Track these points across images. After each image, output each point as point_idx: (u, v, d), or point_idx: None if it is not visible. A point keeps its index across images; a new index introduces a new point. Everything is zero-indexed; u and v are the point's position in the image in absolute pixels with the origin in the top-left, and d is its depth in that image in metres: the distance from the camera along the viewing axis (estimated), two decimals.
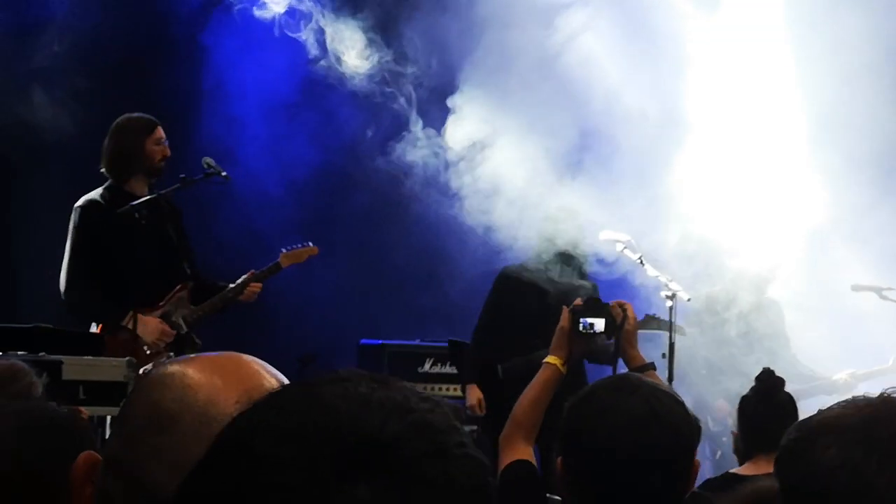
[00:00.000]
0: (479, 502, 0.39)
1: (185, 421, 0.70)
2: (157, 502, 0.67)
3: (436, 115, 3.92)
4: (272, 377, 0.76)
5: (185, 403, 0.71)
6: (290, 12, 4.16)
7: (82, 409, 2.41)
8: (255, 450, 0.36)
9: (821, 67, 4.55)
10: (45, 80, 4.56)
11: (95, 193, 3.69)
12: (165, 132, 3.74)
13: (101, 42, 4.73)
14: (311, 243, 3.91)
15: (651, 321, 4.02)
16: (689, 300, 4.08)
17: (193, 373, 0.75)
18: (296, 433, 0.36)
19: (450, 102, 3.82)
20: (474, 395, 4.09)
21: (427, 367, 4.34)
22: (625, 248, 4.01)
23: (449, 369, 4.36)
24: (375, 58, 3.97)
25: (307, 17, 4.10)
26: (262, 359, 0.75)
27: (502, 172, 3.68)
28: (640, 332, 3.91)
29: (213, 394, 0.72)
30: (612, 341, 2.73)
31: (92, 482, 0.77)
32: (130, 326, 3.49)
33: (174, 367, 0.77)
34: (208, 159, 3.71)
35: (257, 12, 4.23)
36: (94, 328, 3.70)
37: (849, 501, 0.86)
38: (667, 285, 3.95)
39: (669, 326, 3.94)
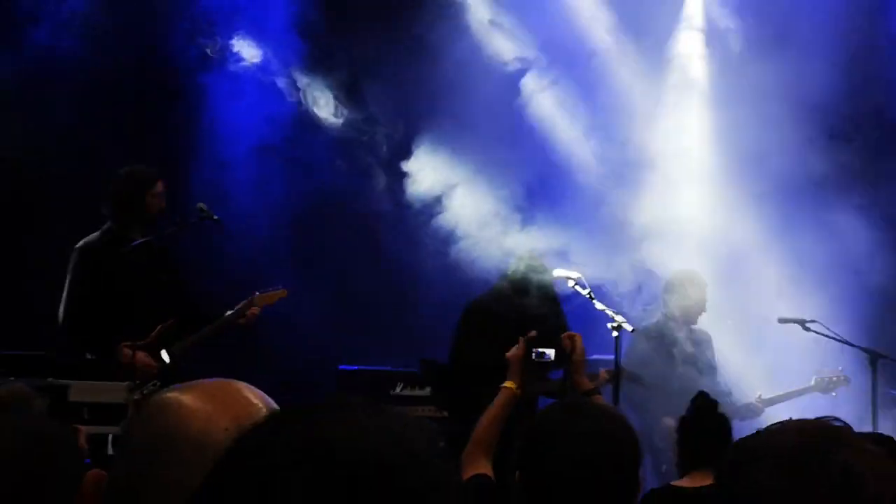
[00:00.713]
0: None
1: (180, 449, 0.72)
2: None
3: (400, 166, 4.39)
4: (262, 403, 0.78)
5: (179, 432, 0.74)
6: (266, 66, 4.66)
7: (80, 427, 2.71)
8: (255, 472, 0.36)
9: (742, 116, 5.22)
10: (49, 120, 4.94)
11: (93, 237, 4.09)
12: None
13: (100, 86, 5.13)
14: (281, 286, 4.31)
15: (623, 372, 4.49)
16: (633, 331, 4.52)
17: (188, 401, 0.77)
18: (295, 458, 0.36)
19: (405, 166, 4.30)
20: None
21: (398, 389, 4.77)
22: (576, 284, 4.43)
23: (418, 391, 4.79)
24: (345, 113, 4.45)
25: (281, 72, 4.60)
26: (249, 383, 0.80)
27: (465, 218, 4.17)
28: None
29: (206, 422, 0.74)
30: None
31: (98, 499, 0.82)
32: (125, 360, 3.85)
33: (170, 396, 0.79)
34: (201, 205, 4.13)
35: (234, 66, 4.74)
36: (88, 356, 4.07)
37: None
38: (613, 318, 4.39)
39: (616, 353, 4.40)
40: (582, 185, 5.12)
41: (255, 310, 4.12)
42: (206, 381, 0.83)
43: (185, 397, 0.77)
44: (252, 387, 0.80)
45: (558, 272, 4.45)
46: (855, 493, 0.84)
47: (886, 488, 0.88)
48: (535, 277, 4.39)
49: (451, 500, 0.40)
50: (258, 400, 0.78)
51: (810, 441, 0.90)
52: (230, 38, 4.59)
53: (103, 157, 4.63)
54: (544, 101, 4.79)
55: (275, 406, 0.77)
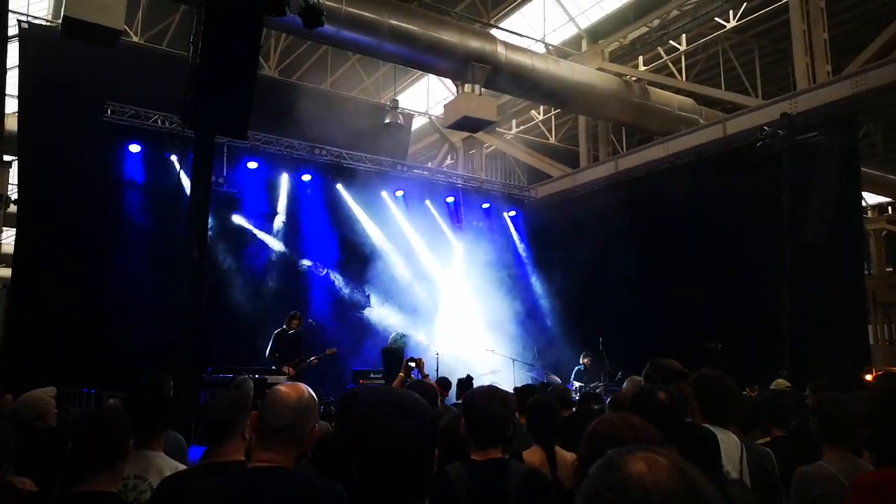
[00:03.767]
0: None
1: (279, 401, 2.04)
2: None
3: None
4: (305, 389, 2.10)
5: (280, 395, 2.05)
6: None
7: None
8: (359, 400, 1.71)
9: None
10: None
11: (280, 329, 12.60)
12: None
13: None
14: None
15: None
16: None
17: (284, 388, 2.09)
18: (379, 400, 1.65)
19: None
20: None
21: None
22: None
23: None
24: None
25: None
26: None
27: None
28: None
29: (286, 394, 2.06)
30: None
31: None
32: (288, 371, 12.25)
33: (279, 386, 2.11)
34: (311, 321, 12.59)
35: None
36: None
37: None
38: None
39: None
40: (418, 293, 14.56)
41: (319, 358, 12.42)
42: (290, 382, 2.19)
43: (280, 387, 2.11)
44: (304, 385, 2.12)
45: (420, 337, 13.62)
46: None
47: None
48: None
49: (428, 412, 1.63)
50: (305, 389, 2.11)
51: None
52: None
53: None
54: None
55: (308, 390, 2.11)
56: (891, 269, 20.66)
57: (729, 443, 3.17)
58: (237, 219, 13.38)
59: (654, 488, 1.05)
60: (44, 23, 13.80)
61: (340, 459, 1.88)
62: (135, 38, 14.85)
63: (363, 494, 1.55)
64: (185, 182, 10.21)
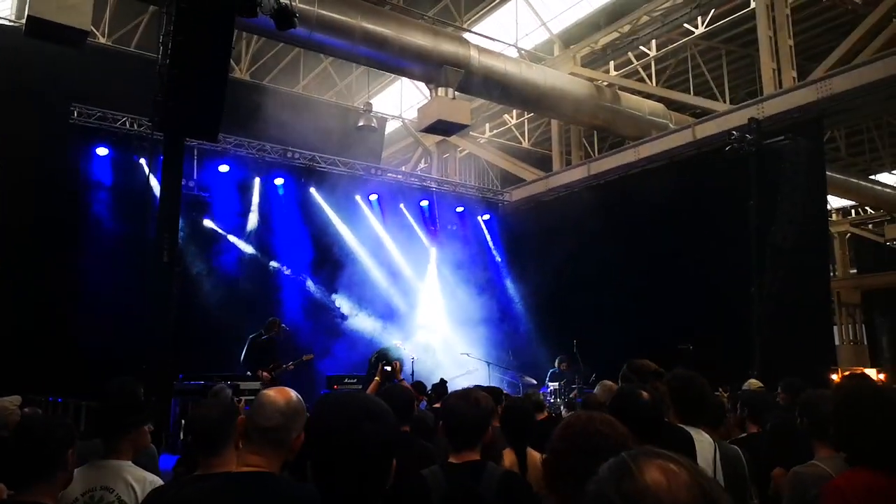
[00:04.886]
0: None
1: (267, 406, 2.02)
2: None
3: None
4: (293, 394, 2.09)
5: (268, 399, 2.05)
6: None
7: None
8: (325, 403, 1.72)
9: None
10: None
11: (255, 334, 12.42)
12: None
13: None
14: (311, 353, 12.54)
15: None
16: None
17: (271, 392, 2.09)
18: (341, 403, 1.71)
19: None
20: None
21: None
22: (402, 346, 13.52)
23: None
24: None
25: None
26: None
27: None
28: None
29: (274, 398, 2.05)
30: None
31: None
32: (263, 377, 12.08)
33: (266, 391, 2.09)
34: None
35: None
36: None
37: None
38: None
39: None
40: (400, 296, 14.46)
41: (296, 363, 12.33)
42: (276, 386, 2.17)
43: (269, 391, 2.14)
44: (292, 390, 2.14)
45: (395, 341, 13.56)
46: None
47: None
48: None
49: (391, 418, 1.63)
50: (293, 393, 2.15)
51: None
52: None
53: None
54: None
55: (296, 395, 2.07)
56: (854, 270, 21.14)
57: (703, 442, 3.20)
58: (208, 222, 13.20)
59: None
60: (7, 22, 13.45)
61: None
62: (102, 39, 14.58)
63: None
64: (155, 185, 10.02)
